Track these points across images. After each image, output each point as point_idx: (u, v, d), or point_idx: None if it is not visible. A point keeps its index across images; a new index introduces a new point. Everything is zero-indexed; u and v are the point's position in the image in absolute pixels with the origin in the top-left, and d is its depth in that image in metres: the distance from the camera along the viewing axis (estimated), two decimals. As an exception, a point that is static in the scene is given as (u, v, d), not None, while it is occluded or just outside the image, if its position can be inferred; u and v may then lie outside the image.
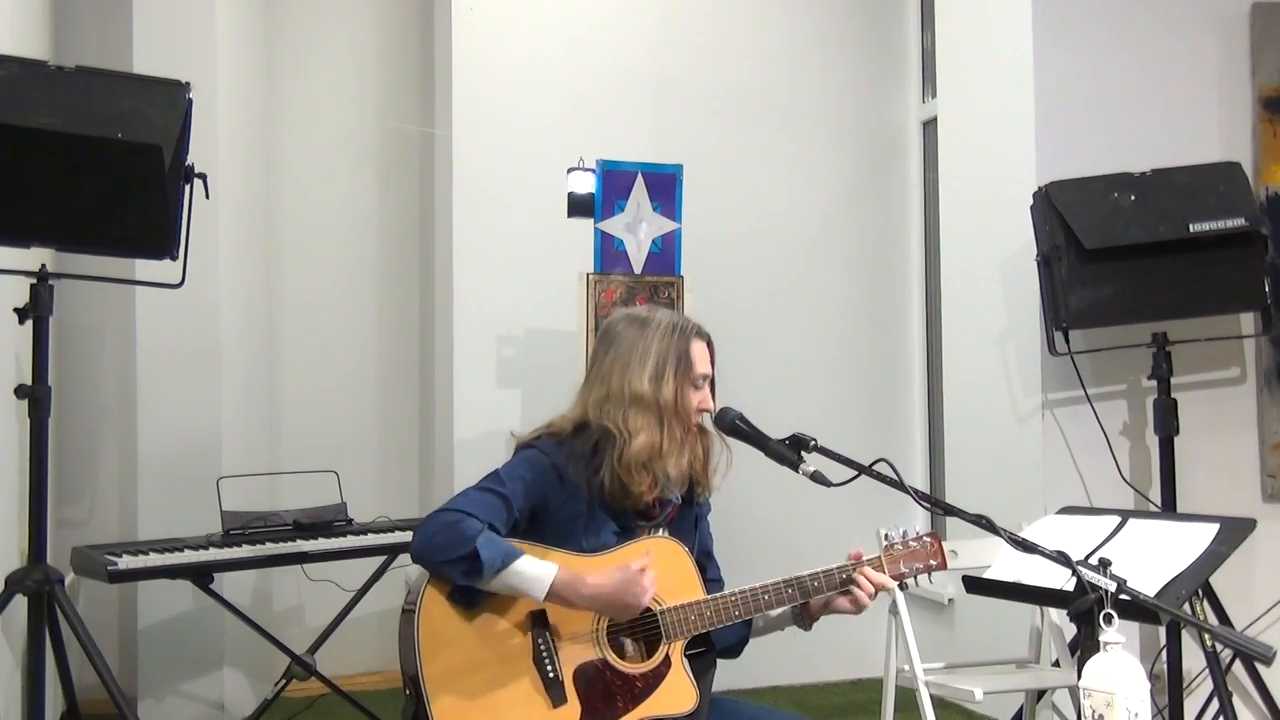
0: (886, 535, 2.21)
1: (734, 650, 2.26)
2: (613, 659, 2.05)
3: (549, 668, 1.99)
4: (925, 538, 2.20)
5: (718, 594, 2.12)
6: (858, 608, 2.14)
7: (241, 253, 4.08)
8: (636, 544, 2.11)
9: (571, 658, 2.01)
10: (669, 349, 2.16)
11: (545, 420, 2.21)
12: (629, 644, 2.10)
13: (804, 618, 2.20)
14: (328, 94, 4.56)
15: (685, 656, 2.09)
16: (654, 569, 2.05)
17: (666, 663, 2.06)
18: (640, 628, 2.08)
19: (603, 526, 2.12)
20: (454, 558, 1.93)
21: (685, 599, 2.09)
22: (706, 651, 2.19)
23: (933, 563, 2.19)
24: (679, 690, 2.06)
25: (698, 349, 2.19)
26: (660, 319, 2.20)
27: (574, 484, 2.10)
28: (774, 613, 2.19)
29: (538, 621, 2.01)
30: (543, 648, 2.00)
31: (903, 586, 2.21)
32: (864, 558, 2.16)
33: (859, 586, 2.11)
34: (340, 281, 4.56)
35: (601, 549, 2.09)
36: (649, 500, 2.14)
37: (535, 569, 1.96)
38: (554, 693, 1.98)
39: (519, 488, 2.07)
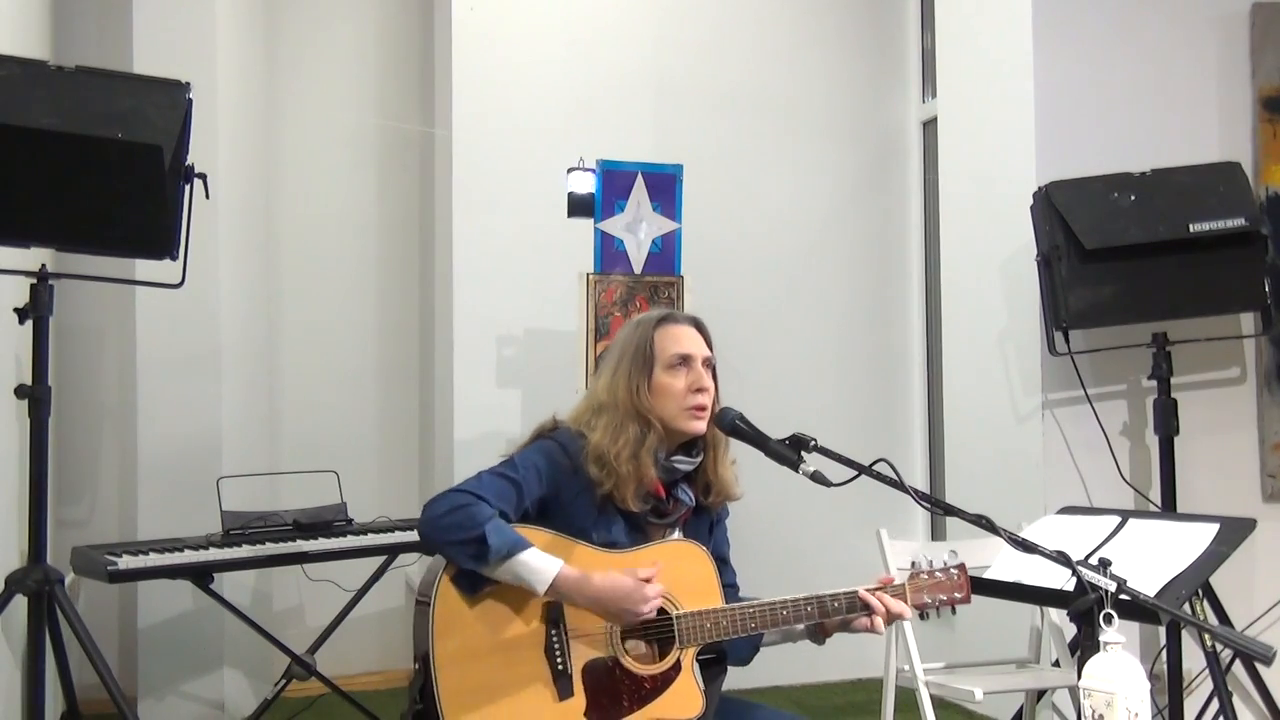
0: (914, 564, 2.20)
1: (744, 660, 2.26)
2: (623, 658, 2.04)
3: (559, 660, 1.99)
4: (953, 569, 2.19)
5: (735, 604, 2.10)
6: (872, 629, 2.13)
7: (241, 253, 4.08)
8: (657, 547, 2.11)
9: (582, 653, 2.01)
10: (627, 345, 2.19)
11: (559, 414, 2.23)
12: (642, 645, 2.09)
13: (818, 633, 2.19)
14: (328, 94, 4.56)
15: (696, 662, 2.09)
16: (674, 572, 2.05)
17: (676, 667, 2.06)
18: (654, 630, 2.07)
19: (613, 523, 2.11)
20: (460, 539, 1.93)
21: (703, 605, 2.08)
22: (718, 659, 2.19)
23: (957, 595, 2.18)
24: (686, 695, 2.05)
25: (665, 335, 2.17)
26: (635, 318, 2.23)
27: (587, 478, 2.09)
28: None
29: (552, 615, 2.01)
30: (555, 640, 2.00)
31: (923, 616, 2.19)
32: (890, 583, 2.15)
33: (875, 613, 2.10)
34: (340, 281, 4.55)
35: (612, 545, 2.09)
36: (631, 504, 2.10)
37: (540, 562, 1.96)
38: (561, 685, 1.99)
39: (532, 476, 2.07)
